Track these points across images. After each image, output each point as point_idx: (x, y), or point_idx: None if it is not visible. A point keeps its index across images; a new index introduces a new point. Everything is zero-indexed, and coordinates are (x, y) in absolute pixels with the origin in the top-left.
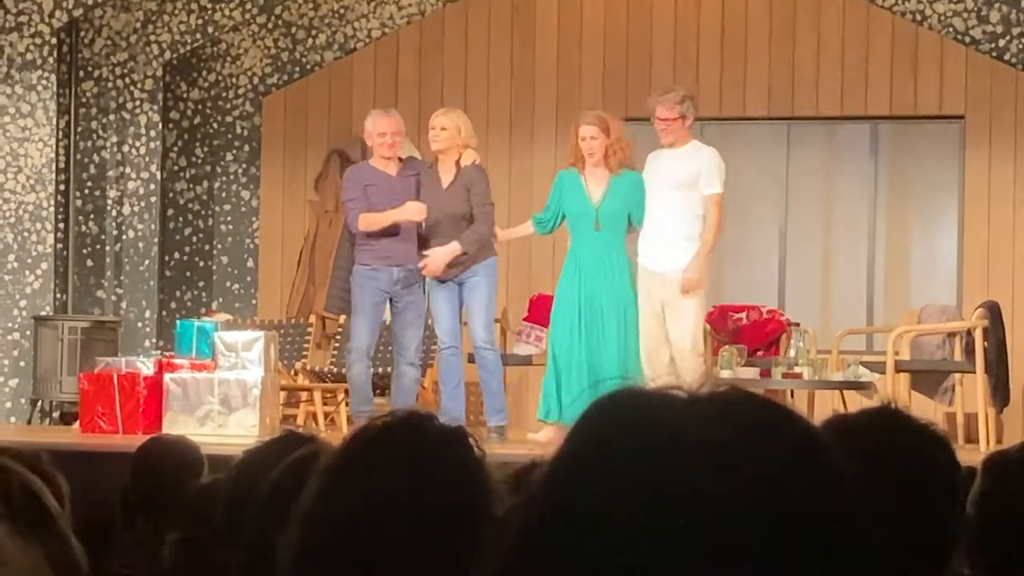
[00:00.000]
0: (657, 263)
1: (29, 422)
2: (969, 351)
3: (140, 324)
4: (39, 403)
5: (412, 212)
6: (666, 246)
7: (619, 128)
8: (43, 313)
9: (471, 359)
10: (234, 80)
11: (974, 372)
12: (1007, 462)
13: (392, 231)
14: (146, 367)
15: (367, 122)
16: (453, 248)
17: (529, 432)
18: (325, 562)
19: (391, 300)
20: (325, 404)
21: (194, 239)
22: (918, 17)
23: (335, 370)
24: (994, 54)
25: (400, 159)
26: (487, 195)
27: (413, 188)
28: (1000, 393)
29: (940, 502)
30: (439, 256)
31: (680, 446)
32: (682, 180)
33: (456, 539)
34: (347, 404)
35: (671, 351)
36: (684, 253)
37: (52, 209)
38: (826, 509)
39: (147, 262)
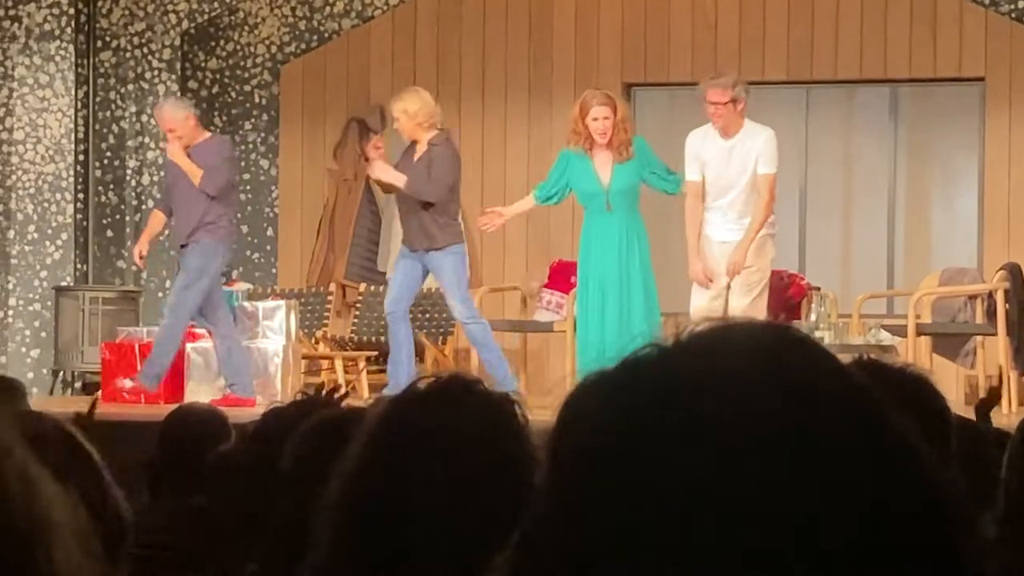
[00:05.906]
0: (735, 235)
1: (51, 392)
2: (991, 313)
3: (161, 294)
4: (61, 373)
5: None
6: (743, 226)
7: (624, 108)
8: (64, 284)
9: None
10: (252, 49)
11: (996, 334)
12: None
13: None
14: None
15: None
16: (398, 176)
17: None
18: (367, 530)
19: None
20: (346, 372)
21: None
22: None
23: (356, 338)
24: (1013, 15)
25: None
26: (446, 175)
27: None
28: (1022, 355)
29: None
30: (383, 166)
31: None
32: (749, 166)
33: (499, 510)
34: (368, 372)
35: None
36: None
37: (72, 180)
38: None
39: (167, 232)
